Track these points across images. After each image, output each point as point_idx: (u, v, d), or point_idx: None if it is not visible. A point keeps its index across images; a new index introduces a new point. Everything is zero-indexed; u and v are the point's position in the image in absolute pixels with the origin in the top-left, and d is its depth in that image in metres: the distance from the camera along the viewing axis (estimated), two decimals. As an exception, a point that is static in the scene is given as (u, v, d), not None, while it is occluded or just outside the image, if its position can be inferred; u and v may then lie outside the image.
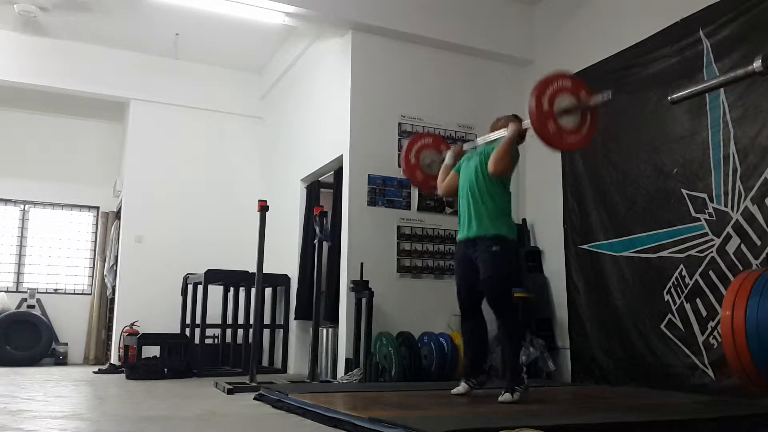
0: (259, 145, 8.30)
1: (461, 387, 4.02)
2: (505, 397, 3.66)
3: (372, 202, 5.72)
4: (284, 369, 6.82)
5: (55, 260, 8.52)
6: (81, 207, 8.74)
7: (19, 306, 7.96)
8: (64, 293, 8.45)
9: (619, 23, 5.36)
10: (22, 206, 8.47)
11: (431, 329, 5.49)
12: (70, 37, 7.37)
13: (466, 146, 4.44)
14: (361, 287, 5.31)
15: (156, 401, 4.24)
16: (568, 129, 3.58)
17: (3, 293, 8.01)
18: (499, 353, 4.95)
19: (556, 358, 5.50)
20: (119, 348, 7.20)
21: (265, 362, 7.12)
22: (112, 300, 8.00)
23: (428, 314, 5.59)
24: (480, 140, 4.34)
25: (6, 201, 8.38)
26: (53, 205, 8.59)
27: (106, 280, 8.23)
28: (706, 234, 4.45)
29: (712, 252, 4.40)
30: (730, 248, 4.27)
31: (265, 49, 7.66)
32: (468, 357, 4.18)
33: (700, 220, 4.49)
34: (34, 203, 8.51)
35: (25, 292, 8.07)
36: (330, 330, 5.90)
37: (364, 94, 5.84)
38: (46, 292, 8.28)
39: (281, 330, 7.04)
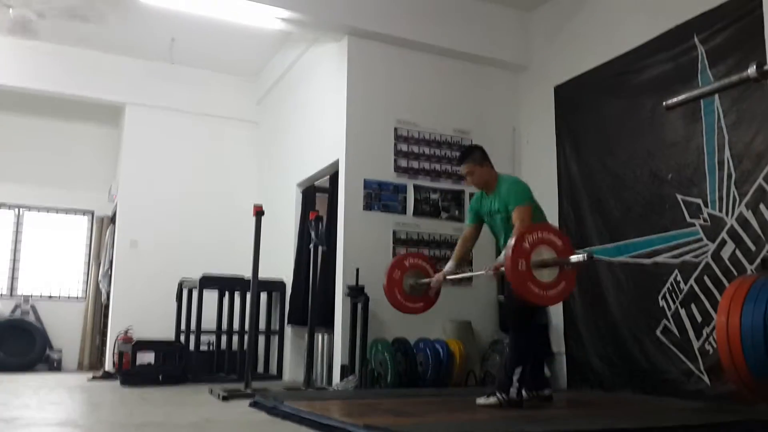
0: (255, 149, 8.28)
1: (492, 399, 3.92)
2: (480, 399, 3.70)
3: (368, 207, 5.71)
4: (279, 376, 6.80)
5: (50, 265, 8.48)
6: (76, 211, 8.71)
7: (13, 312, 7.92)
8: (59, 299, 8.41)
9: (614, 30, 5.37)
10: (16, 210, 8.43)
11: (427, 335, 5.48)
12: (66, 41, 7.35)
13: (447, 268, 4.36)
14: (356, 292, 5.30)
15: (150, 408, 4.22)
16: (545, 283, 3.38)
17: (-3, 299, 7.98)
18: (495, 361, 4.96)
19: (551, 364, 5.48)
20: (114, 354, 7.16)
21: (260, 369, 7.08)
22: (107, 305, 7.96)
23: (424, 320, 5.54)
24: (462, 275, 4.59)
25: (0, 205, 8.34)
26: (48, 209, 8.56)
27: (100, 285, 8.20)
28: (701, 239, 4.45)
29: (706, 257, 4.40)
30: (725, 254, 4.28)
31: (261, 54, 7.66)
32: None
33: (695, 226, 4.50)
34: (29, 207, 8.47)
35: (19, 298, 8.03)
36: (325, 336, 5.89)
37: (360, 98, 5.84)
38: (41, 298, 8.24)
39: (276, 336, 7.02)
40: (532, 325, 3.91)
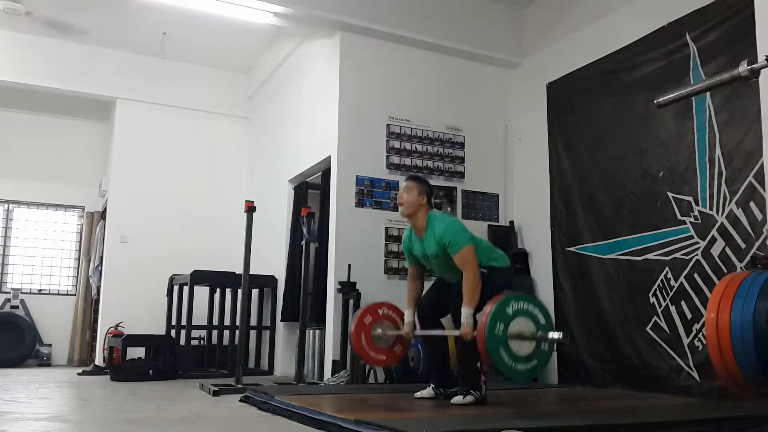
0: (247, 145, 8.26)
1: (426, 391, 4.01)
2: (457, 399, 3.67)
3: (360, 203, 5.71)
4: (270, 371, 6.79)
5: (40, 260, 8.44)
6: (66, 207, 8.66)
7: (2, 306, 7.88)
8: (49, 294, 8.37)
9: (607, 27, 5.38)
10: (6, 206, 8.38)
11: (418, 331, 5.47)
12: (57, 35, 7.29)
13: (407, 318, 4.19)
14: (348, 288, 5.30)
15: (141, 403, 4.20)
16: (520, 354, 3.26)
17: (-14, 294, 7.93)
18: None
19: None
20: (104, 349, 7.14)
21: (251, 364, 7.08)
22: (97, 301, 7.93)
23: (415, 316, 5.57)
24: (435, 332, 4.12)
25: (-10, 200, 8.30)
26: (38, 204, 8.51)
27: (90, 280, 8.16)
28: (691, 237, 4.48)
29: (697, 255, 4.43)
30: (715, 251, 4.30)
31: (253, 49, 7.63)
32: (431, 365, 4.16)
33: (686, 223, 4.52)
34: (19, 203, 8.43)
35: (9, 293, 7.99)
36: (317, 331, 5.88)
37: (352, 95, 5.83)
38: (30, 293, 8.20)
39: (268, 331, 7.01)
40: None
